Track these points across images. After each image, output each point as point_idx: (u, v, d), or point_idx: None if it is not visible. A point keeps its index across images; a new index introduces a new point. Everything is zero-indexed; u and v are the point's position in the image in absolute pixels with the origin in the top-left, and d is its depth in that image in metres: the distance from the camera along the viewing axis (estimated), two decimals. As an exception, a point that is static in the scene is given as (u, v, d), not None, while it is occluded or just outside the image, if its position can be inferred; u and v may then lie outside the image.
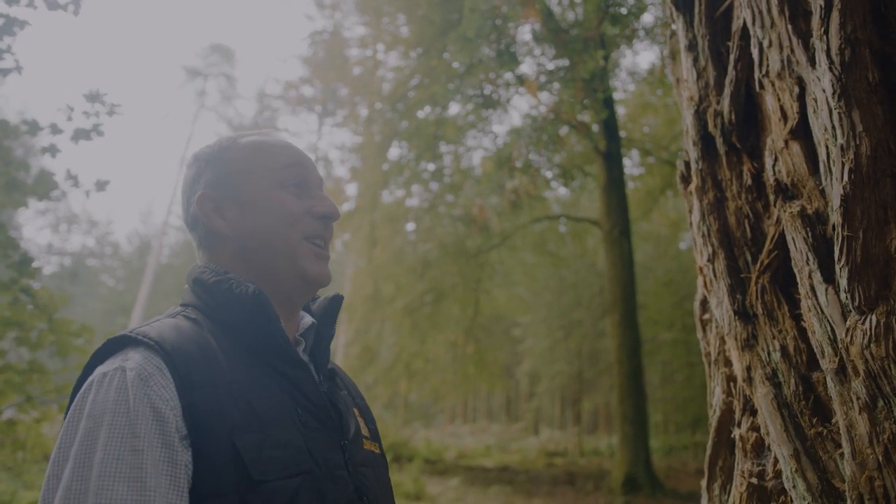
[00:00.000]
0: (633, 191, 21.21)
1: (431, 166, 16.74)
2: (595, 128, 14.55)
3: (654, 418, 24.32)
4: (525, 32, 12.27)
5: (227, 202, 1.28)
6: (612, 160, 15.60)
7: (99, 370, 1.04)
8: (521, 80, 13.54)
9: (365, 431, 1.33)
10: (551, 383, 26.12)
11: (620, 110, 20.87)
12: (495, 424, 35.95)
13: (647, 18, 13.22)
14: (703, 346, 2.30)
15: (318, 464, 1.09)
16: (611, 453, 20.61)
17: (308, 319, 1.35)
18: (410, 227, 18.67)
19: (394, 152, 16.82)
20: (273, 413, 1.08)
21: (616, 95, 17.70)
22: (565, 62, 10.99)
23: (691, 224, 2.44)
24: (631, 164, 21.72)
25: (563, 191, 24.26)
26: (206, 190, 1.29)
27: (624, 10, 9.64)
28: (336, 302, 1.39)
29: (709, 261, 2.07)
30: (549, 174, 15.63)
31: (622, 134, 18.45)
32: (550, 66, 12.13)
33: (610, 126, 15.57)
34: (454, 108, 18.26)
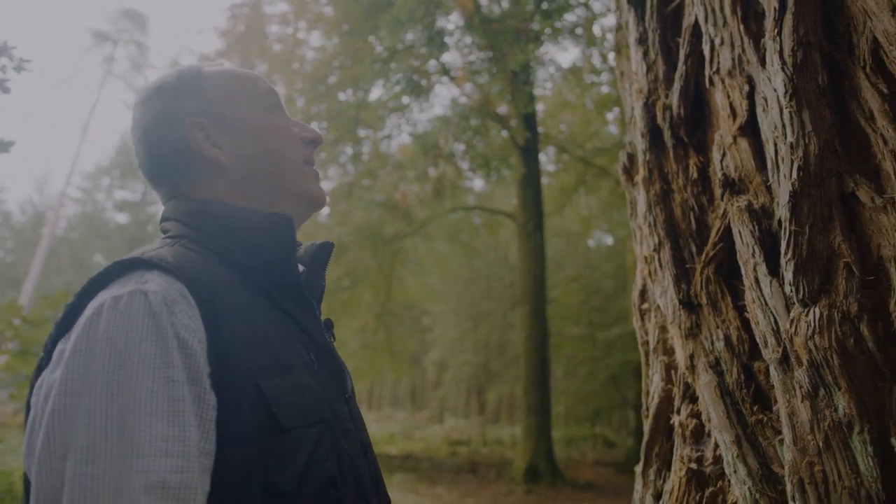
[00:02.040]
0: (548, 187, 21.61)
1: (350, 150, 16.54)
2: (514, 122, 14.72)
3: (556, 410, 24.94)
4: (454, 21, 12.28)
5: (218, 130, 1.16)
6: (529, 155, 15.81)
7: (105, 294, 0.88)
8: (446, 69, 13.53)
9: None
10: (458, 373, 26.34)
11: (539, 107, 21.21)
12: (400, 412, 36.04)
13: (569, 17, 13.44)
14: (640, 335, 2.35)
15: (333, 414, 1.02)
16: (513, 443, 21.00)
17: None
18: (325, 210, 18.41)
19: (312, 133, 16.46)
20: (290, 356, 0.99)
21: (536, 92, 17.97)
22: (492, 53, 11.05)
23: (632, 214, 2.48)
24: (546, 161, 22.12)
25: (478, 183, 24.49)
26: (190, 118, 1.15)
27: (555, 5, 9.78)
28: (326, 249, 1.26)
29: (654, 250, 2.11)
30: (472, 164, 15.72)
31: (540, 130, 18.76)
32: (480, 55, 12.17)
33: (529, 121, 15.78)
34: (376, 93, 18.03)
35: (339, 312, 16.61)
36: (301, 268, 1.24)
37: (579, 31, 14.30)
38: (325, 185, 18.48)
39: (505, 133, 15.11)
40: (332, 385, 1.08)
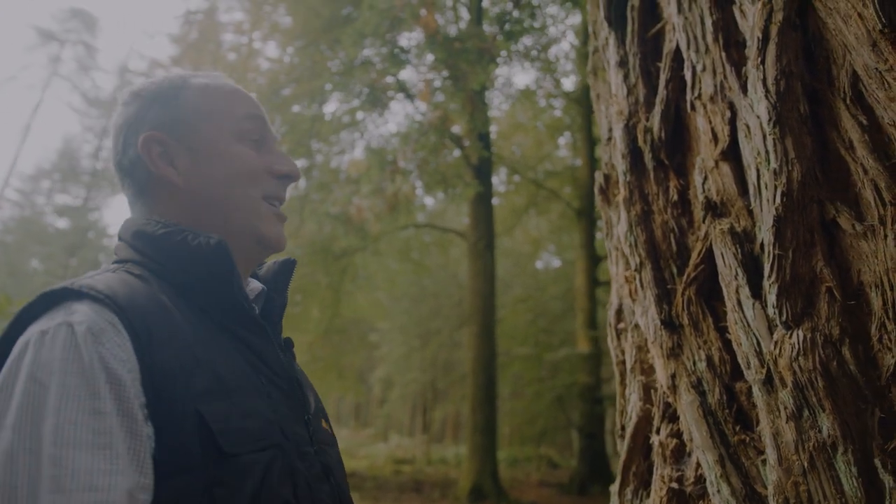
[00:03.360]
0: (499, 207, 21.81)
1: (303, 163, 16.40)
2: (467, 141, 14.83)
3: (502, 430, 24.99)
4: (414, 38, 12.35)
5: (179, 148, 1.13)
6: (482, 174, 15.94)
7: (34, 328, 0.87)
8: (404, 85, 13.56)
9: None
10: (404, 390, 26.21)
11: (492, 128, 21.43)
12: (344, 429, 35.62)
13: (525, 41, 13.69)
14: (615, 355, 2.36)
15: (287, 437, 0.99)
16: (457, 462, 20.93)
17: (257, 285, 1.22)
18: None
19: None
20: (237, 380, 0.96)
21: (490, 113, 18.17)
22: (451, 72, 11.15)
23: (608, 235, 2.51)
24: (498, 182, 22.34)
25: (429, 200, 24.54)
26: (152, 131, 1.12)
27: (517, 27, 9.94)
28: (288, 266, 1.26)
29: (636, 270, 2.13)
30: (428, 181, 15.76)
31: (493, 150, 18.94)
32: (439, 73, 12.27)
33: (483, 141, 15.92)
34: (330, 107, 17.95)
35: (289, 329, 16.38)
36: (259, 287, 1.22)
37: (534, 53, 14.53)
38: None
39: (458, 152, 15.22)
40: (287, 407, 1.05)
